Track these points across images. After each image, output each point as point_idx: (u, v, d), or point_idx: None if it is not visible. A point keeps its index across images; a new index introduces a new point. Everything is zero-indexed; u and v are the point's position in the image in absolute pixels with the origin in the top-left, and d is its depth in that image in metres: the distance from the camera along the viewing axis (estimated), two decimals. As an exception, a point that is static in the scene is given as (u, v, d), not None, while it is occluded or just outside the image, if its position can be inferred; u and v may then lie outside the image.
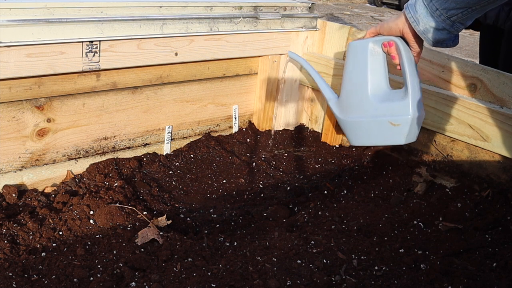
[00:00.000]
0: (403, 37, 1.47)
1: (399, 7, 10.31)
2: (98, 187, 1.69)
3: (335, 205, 1.75)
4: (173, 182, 1.86)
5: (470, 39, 7.67)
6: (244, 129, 2.25)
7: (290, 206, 1.78)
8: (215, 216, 1.71)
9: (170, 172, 1.91)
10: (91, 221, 1.51)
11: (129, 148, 1.92)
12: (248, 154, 2.13)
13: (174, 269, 1.31)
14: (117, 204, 1.57)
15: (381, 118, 1.56)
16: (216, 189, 1.89)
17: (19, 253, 1.35)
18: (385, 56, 1.58)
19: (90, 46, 1.62)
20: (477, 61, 2.74)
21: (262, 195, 1.87)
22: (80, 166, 1.80)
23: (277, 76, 2.22)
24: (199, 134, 2.12)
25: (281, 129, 2.32)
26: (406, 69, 1.49)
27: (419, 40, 1.43)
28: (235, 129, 2.23)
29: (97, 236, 1.45)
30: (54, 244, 1.41)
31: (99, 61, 1.66)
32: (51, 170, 1.74)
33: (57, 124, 1.71)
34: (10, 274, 1.25)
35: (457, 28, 1.32)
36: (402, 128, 1.53)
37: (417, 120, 1.54)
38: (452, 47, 1.42)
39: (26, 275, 1.26)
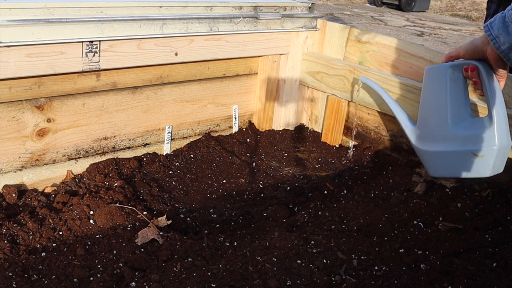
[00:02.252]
0: (486, 60, 1.35)
1: (399, 7, 10.31)
2: (98, 187, 1.69)
3: (335, 205, 1.75)
4: (173, 182, 1.86)
5: (470, 39, 7.66)
6: (244, 129, 2.25)
7: (290, 206, 1.78)
8: (215, 216, 1.71)
9: (170, 172, 1.91)
10: (91, 221, 1.51)
11: (129, 148, 1.92)
12: (248, 154, 2.13)
13: (174, 269, 1.31)
14: (117, 204, 1.57)
15: (463, 148, 1.45)
16: (216, 189, 1.89)
17: (19, 253, 1.35)
18: (466, 81, 1.47)
19: (90, 46, 1.62)
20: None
21: (262, 195, 1.87)
22: (80, 166, 1.80)
23: (277, 76, 2.22)
24: (199, 134, 2.12)
25: (281, 129, 2.32)
26: (489, 96, 1.38)
27: (503, 63, 1.31)
28: (235, 129, 2.23)
29: (97, 236, 1.45)
30: (54, 244, 1.41)
31: (99, 61, 1.66)
32: (51, 170, 1.74)
33: (57, 124, 1.71)
34: (10, 274, 1.25)
35: None
36: (486, 159, 1.42)
37: (504, 149, 1.43)
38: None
39: (26, 275, 1.26)
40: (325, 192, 1.87)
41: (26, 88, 1.59)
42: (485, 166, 1.43)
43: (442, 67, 1.47)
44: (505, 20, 1.22)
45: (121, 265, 1.32)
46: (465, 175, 1.49)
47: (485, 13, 2.35)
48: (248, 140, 2.21)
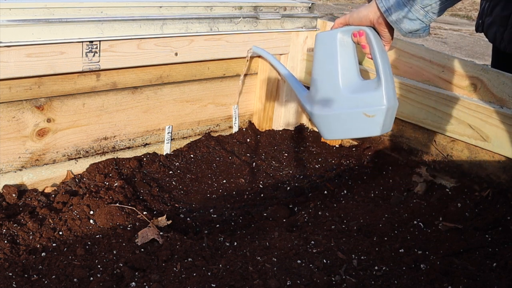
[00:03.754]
0: (373, 27, 1.44)
1: (399, 7, 10.31)
2: (98, 187, 1.69)
3: (335, 205, 1.75)
4: (173, 182, 1.86)
5: (470, 39, 7.66)
6: (244, 129, 2.25)
7: (290, 206, 1.78)
8: (215, 216, 1.71)
9: (170, 172, 1.91)
10: (91, 221, 1.51)
11: (129, 148, 1.92)
12: (248, 154, 2.13)
13: (174, 269, 1.31)
14: (117, 204, 1.57)
15: (355, 109, 1.51)
16: (216, 189, 1.89)
17: (19, 253, 1.35)
18: (355, 46, 1.53)
19: (90, 46, 1.62)
20: (477, 61, 2.74)
21: (262, 195, 1.87)
22: (80, 166, 1.80)
23: (277, 76, 2.22)
24: (199, 134, 2.12)
25: (281, 129, 2.32)
26: (378, 59, 1.46)
27: (390, 30, 1.41)
28: (235, 129, 2.23)
29: (97, 236, 1.45)
30: (54, 244, 1.41)
31: (99, 61, 1.66)
32: (51, 170, 1.74)
33: (57, 124, 1.71)
34: (10, 274, 1.25)
35: (430, 19, 1.31)
36: (377, 118, 1.49)
37: (392, 109, 1.52)
38: (423, 38, 1.39)
39: (26, 275, 1.26)
40: (325, 192, 1.87)
41: (26, 88, 1.59)
42: (376, 125, 1.49)
43: (332, 33, 1.52)
44: None
45: (121, 265, 1.32)
46: (357, 134, 1.57)
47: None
48: (248, 140, 2.21)
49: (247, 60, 2.03)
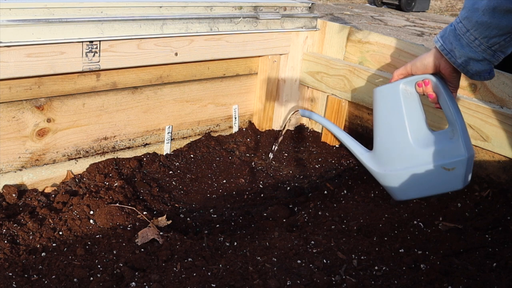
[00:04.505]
0: (438, 74, 1.35)
1: (399, 7, 10.31)
2: (98, 187, 1.69)
3: (335, 205, 1.75)
4: (173, 182, 1.86)
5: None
6: (244, 129, 2.25)
7: (290, 206, 1.78)
8: (215, 216, 1.71)
9: (170, 172, 1.91)
10: (91, 221, 1.51)
11: (129, 148, 1.92)
12: (248, 154, 2.13)
13: (174, 269, 1.31)
14: (117, 204, 1.57)
15: (431, 165, 1.39)
16: (216, 189, 1.89)
17: (19, 253, 1.35)
18: (419, 97, 1.44)
19: (90, 46, 1.62)
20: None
21: (262, 195, 1.87)
22: (80, 166, 1.80)
23: (277, 76, 2.22)
24: (199, 134, 2.12)
25: (281, 129, 2.32)
26: (450, 107, 1.36)
27: (457, 75, 1.33)
28: (235, 129, 2.23)
29: (97, 236, 1.45)
30: (54, 244, 1.41)
31: (99, 61, 1.66)
32: (51, 170, 1.74)
33: (57, 124, 1.71)
34: (10, 274, 1.25)
35: (498, 58, 1.23)
36: (457, 171, 1.37)
37: (471, 159, 1.40)
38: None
39: (26, 275, 1.26)
40: (325, 192, 1.87)
41: (26, 88, 1.59)
42: (456, 178, 1.39)
43: (394, 86, 1.42)
44: (456, 33, 1.23)
45: (121, 265, 1.32)
46: (436, 191, 1.45)
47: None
48: (248, 140, 2.21)
49: (289, 119, 1.90)
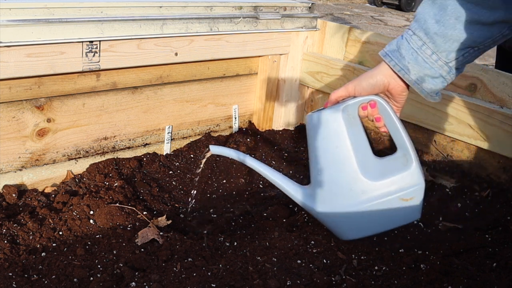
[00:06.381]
0: (385, 94, 1.22)
1: (399, 7, 10.31)
2: (98, 187, 1.69)
3: (335, 205, 1.75)
4: (173, 182, 1.86)
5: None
6: (244, 129, 2.25)
7: (290, 206, 1.78)
8: (215, 216, 1.71)
9: (170, 172, 1.91)
10: (91, 221, 1.51)
11: (129, 148, 1.92)
12: (248, 154, 2.13)
13: (174, 269, 1.31)
14: (117, 204, 1.57)
15: (387, 197, 1.24)
16: (216, 189, 1.89)
17: (19, 253, 1.35)
18: (361, 121, 1.28)
19: (90, 46, 1.62)
20: (477, 61, 2.74)
21: (262, 195, 1.87)
22: (80, 166, 1.80)
23: (277, 76, 2.22)
24: (199, 134, 2.12)
25: (281, 129, 2.32)
26: (401, 131, 1.22)
27: (406, 94, 1.21)
28: (235, 129, 2.23)
29: (97, 236, 1.45)
30: (54, 244, 1.41)
31: (99, 61, 1.66)
32: (51, 170, 1.74)
33: (57, 124, 1.71)
34: (10, 274, 1.25)
35: (452, 76, 1.13)
36: (415, 200, 1.24)
37: (425, 186, 1.28)
38: (438, 102, 1.17)
39: (26, 275, 1.26)
40: (325, 192, 1.87)
41: (26, 88, 1.59)
42: (414, 208, 1.26)
43: (334, 110, 1.24)
44: (410, 46, 1.12)
45: (121, 265, 1.32)
46: (392, 225, 1.32)
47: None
48: (248, 140, 2.21)
49: (203, 161, 1.65)
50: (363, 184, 1.25)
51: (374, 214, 1.26)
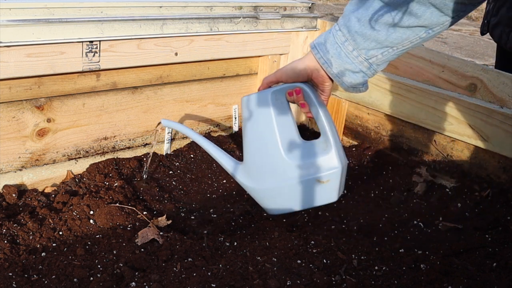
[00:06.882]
0: (309, 82, 1.29)
1: (399, 7, 10.30)
2: (98, 187, 1.69)
3: (335, 205, 1.75)
4: (173, 182, 1.86)
5: (470, 39, 7.66)
6: (244, 129, 2.25)
7: (290, 206, 1.78)
8: (215, 216, 1.71)
9: (170, 172, 1.91)
10: (91, 221, 1.51)
11: (129, 148, 1.92)
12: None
13: (174, 269, 1.31)
14: (117, 204, 1.57)
15: (305, 178, 1.33)
16: (216, 189, 1.89)
17: (19, 253, 1.35)
18: (289, 105, 1.38)
19: (90, 46, 1.62)
20: (477, 61, 2.74)
21: (262, 195, 1.87)
22: (80, 166, 1.80)
23: (277, 76, 2.22)
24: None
25: (281, 129, 2.32)
26: (322, 117, 1.30)
27: (330, 84, 1.27)
28: (235, 129, 2.23)
29: (97, 236, 1.45)
30: (54, 244, 1.41)
31: (99, 61, 1.66)
32: (51, 170, 1.74)
33: (57, 124, 1.71)
34: (10, 274, 1.25)
35: (373, 72, 1.18)
36: (332, 183, 1.33)
37: (344, 169, 1.36)
38: (363, 93, 1.24)
39: (26, 275, 1.26)
40: (325, 192, 1.87)
41: (26, 88, 1.59)
42: (332, 190, 1.35)
43: (263, 94, 1.33)
44: (334, 41, 1.16)
45: (121, 265, 1.32)
46: (310, 204, 1.39)
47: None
48: (248, 140, 2.21)
49: (156, 131, 1.82)
50: (285, 164, 1.34)
51: (294, 192, 1.35)
